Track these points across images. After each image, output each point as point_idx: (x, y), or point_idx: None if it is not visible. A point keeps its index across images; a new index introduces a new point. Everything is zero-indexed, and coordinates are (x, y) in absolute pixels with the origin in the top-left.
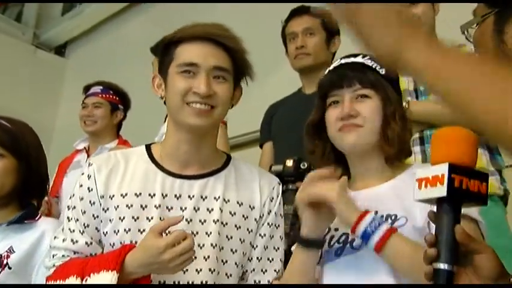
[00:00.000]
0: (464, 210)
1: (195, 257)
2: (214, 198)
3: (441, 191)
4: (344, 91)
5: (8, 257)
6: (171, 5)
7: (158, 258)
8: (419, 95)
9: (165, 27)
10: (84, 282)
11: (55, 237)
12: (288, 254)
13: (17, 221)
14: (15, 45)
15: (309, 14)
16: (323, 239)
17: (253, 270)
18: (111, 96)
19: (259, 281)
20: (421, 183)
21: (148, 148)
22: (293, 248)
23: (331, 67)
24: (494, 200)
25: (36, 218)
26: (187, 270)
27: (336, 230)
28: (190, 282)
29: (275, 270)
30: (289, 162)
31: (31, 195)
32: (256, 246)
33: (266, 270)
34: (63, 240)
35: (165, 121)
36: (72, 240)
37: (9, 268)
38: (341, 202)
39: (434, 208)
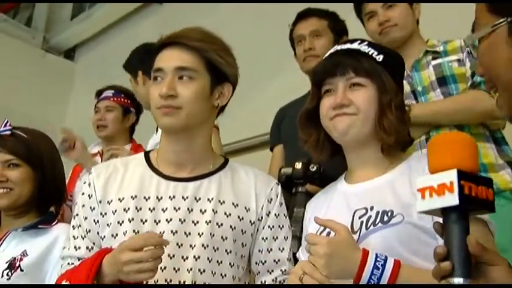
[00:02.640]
0: None
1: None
2: (208, 199)
3: (452, 199)
4: (338, 79)
5: (21, 259)
6: (180, 7)
7: (117, 257)
8: (418, 96)
9: (174, 30)
10: None
11: (64, 247)
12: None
13: (32, 226)
14: (25, 49)
15: (316, 16)
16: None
17: (259, 272)
18: (122, 100)
19: (265, 281)
20: (425, 193)
21: (146, 154)
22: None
23: (327, 53)
24: (507, 198)
25: (52, 224)
26: (179, 269)
27: None
28: (181, 282)
29: (281, 271)
30: (299, 165)
31: (49, 203)
32: (261, 250)
33: (272, 271)
34: (68, 248)
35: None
36: (75, 247)
37: (21, 270)
38: (332, 269)
39: (439, 219)
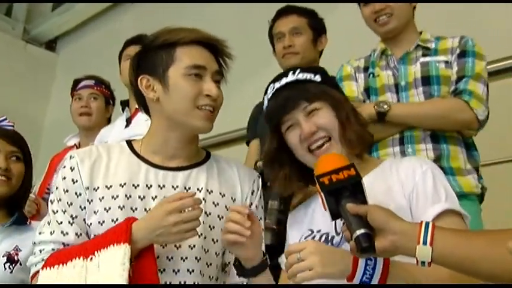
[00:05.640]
0: (450, 205)
1: (199, 233)
2: (198, 189)
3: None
4: (294, 113)
5: (17, 254)
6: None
7: (164, 221)
8: (400, 90)
9: (155, 23)
10: (90, 261)
11: (40, 233)
12: (273, 252)
13: (17, 222)
14: (5, 40)
15: (296, 14)
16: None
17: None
18: (104, 90)
19: None
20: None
21: (128, 143)
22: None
23: (269, 95)
24: (471, 199)
25: (28, 222)
26: (172, 258)
27: (319, 231)
28: (176, 270)
29: None
30: None
31: (22, 201)
32: None
33: None
34: (51, 232)
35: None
36: (62, 232)
37: (21, 264)
38: (327, 272)
39: None
